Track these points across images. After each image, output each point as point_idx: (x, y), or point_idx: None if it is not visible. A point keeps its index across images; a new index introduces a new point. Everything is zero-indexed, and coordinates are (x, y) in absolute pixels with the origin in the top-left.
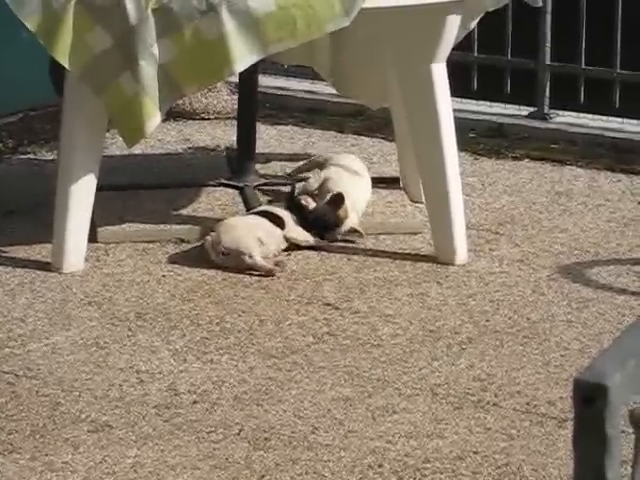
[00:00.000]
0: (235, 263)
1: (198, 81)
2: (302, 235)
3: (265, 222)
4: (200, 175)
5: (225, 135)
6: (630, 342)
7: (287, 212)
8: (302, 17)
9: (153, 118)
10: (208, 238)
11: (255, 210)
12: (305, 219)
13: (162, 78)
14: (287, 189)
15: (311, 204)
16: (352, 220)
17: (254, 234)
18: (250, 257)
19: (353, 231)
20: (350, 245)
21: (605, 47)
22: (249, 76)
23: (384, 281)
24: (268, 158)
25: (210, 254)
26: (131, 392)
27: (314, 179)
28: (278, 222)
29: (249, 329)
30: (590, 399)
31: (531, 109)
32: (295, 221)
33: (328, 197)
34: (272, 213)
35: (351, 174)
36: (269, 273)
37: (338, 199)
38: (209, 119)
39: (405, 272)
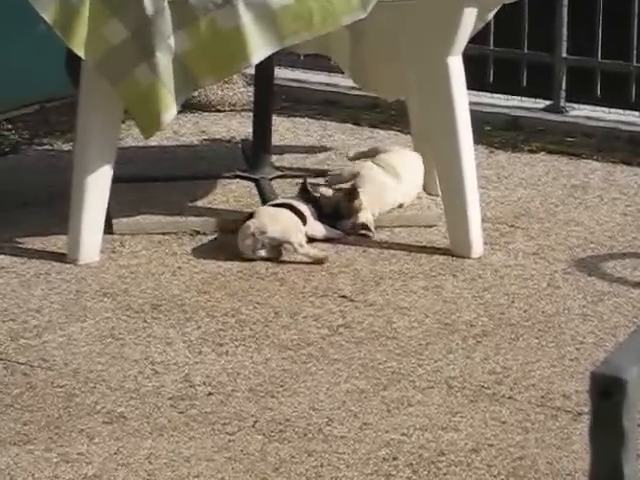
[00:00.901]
0: (272, 254)
1: (214, 73)
2: (321, 232)
3: (294, 216)
4: (216, 167)
5: (241, 127)
6: None
7: (305, 205)
8: (319, 9)
9: (170, 109)
10: (250, 229)
11: (278, 202)
12: (319, 207)
13: (178, 70)
14: (301, 181)
15: (327, 193)
16: (365, 215)
17: (297, 225)
18: (300, 246)
19: (364, 227)
20: (365, 238)
21: (621, 40)
22: (265, 68)
23: (399, 274)
24: (284, 150)
25: (249, 245)
26: (146, 383)
27: (347, 170)
28: (301, 217)
29: (264, 321)
30: (607, 393)
31: (547, 102)
32: (313, 213)
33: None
34: (296, 208)
35: (388, 175)
36: (321, 260)
37: (353, 192)
38: (225, 111)
39: (420, 265)
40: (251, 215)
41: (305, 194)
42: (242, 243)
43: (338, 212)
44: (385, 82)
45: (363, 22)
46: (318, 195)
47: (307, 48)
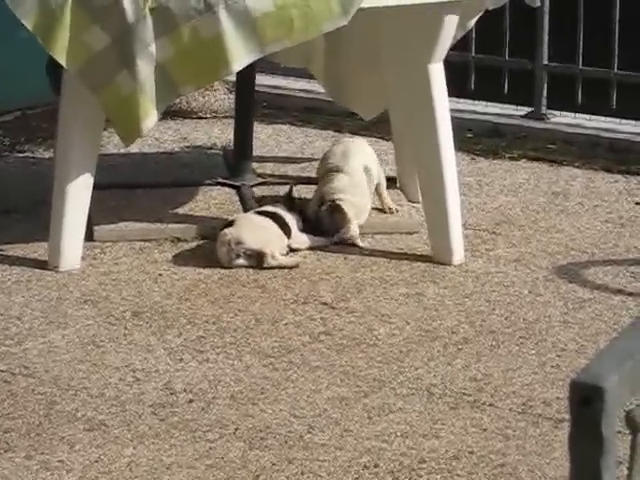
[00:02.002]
0: (251, 262)
1: (195, 81)
2: (305, 243)
3: (275, 227)
4: (197, 174)
5: (222, 134)
6: (626, 343)
7: (290, 215)
8: (300, 17)
9: (150, 117)
10: (226, 238)
11: (262, 210)
12: (304, 217)
13: (160, 77)
14: (287, 188)
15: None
16: (352, 229)
17: (276, 235)
18: (273, 258)
19: (350, 241)
20: (346, 245)
21: (602, 48)
22: (246, 75)
23: (380, 281)
24: (265, 157)
25: (224, 254)
26: (127, 391)
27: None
28: (285, 230)
29: (245, 328)
30: (587, 401)
31: (528, 109)
32: (298, 221)
33: (326, 207)
34: (280, 217)
35: (362, 177)
36: (294, 265)
37: (335, 207)
38: (206, 118)
39: (402, 272)
40: (231, 223)
41: (290, 202)
42: (219, 251)
43: (321, 226)
44: (361, 98)
45: (341, 34)
46: (303, 204)
47: (285, 60)
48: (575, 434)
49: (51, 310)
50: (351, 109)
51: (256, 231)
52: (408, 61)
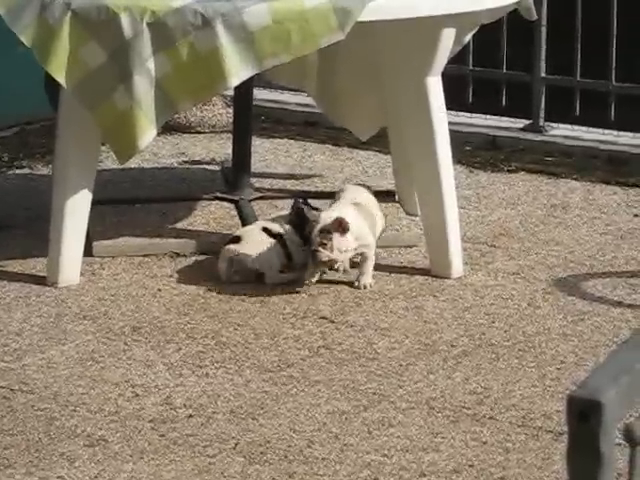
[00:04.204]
0: (250, 279)
1: (193, 96)
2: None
3: (279, 248)
4: (195, 189)
5: (220, 148)
6: (624, 357)
7: (296, 238)
8: (297, 31)
9: (147, 133)
10: (228, 255)
11: (270, 228)
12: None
13: (157, 94)
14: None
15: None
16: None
17: (277, 258)
18: (270, 278)
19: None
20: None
21: (600, 60)
22: (244, 90)
23: (380, 294)
24: (264, 171)
25: (224, 270)
26: (126, 406)
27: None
28: (287, 255)
29: (245, 343)
30: (584, 415)
31: (526, 122)
32: (299, 250)
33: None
34: (284, 244)
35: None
36: (295, 279)
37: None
38: (204, 132)
39: (401, 285)
40: (236, 239)
41: (298, 219)
42: (219, 266)
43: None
44: (356, 117)
45: (336, 52)
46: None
47: (280, 79)
48: (573, 449)
49: (50, 326)
50: (348, 128)
51: (260, 251)
52: (406, 74)
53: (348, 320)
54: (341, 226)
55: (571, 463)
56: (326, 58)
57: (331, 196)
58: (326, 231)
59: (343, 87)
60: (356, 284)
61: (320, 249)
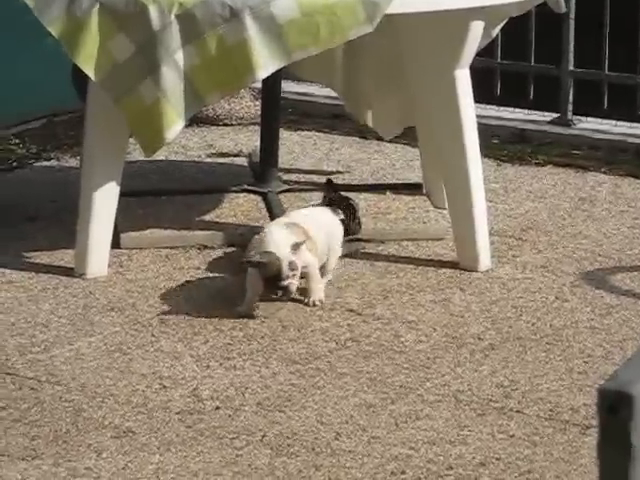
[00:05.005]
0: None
1: (220, 89)
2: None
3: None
4: (223, 181)
5: (248, 141)
6: None
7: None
8: (325, 24)
9: (174, 125)
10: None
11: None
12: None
13: (185, 86)
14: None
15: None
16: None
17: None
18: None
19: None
20: (373, 251)
21: (629, 53)
22: (272, 82)
23: (407, 287)
24: (291, 164)
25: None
26: (154, 398)
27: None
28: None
29: (272, 335)
30: (615, 408)
31: (554, 115)
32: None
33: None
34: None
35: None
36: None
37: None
38: (232, 125)
39: (428, 278)
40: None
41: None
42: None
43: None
44: (380, 117)
45: (362, 49)
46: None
47: (307, 75)
48: (603, 442)
49: (78, 317)
50: (374, 128)
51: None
52: (434, 67)
53: (375, 313)
54: (296, 250)
55: (601, 456)
56: (352, 55)
57: (360, 189)
58: (293, 264)
59: (368, 85)
60: (306, 301)
61: (293, 282)
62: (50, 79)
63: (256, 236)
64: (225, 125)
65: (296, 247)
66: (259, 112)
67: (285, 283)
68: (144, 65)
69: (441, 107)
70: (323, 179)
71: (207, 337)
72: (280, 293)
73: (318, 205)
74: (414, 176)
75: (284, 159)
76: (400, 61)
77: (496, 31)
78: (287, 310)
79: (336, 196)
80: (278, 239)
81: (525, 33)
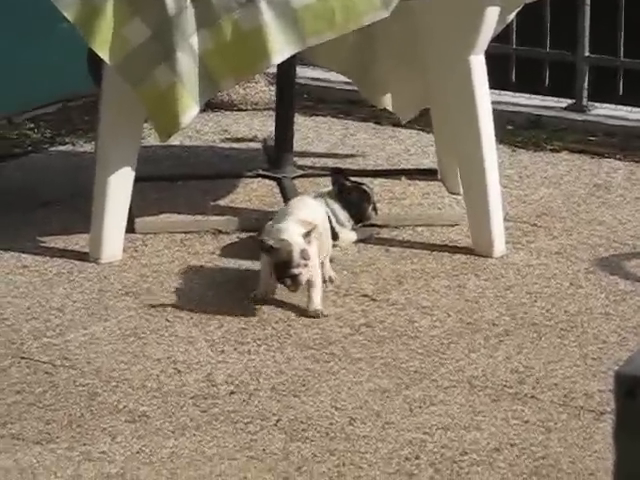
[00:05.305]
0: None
1: (235, 74)
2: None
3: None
4: (238, 166)
5: (263, 126)
6: None
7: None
8: (340, 9)
9: (189, 110)
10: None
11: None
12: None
13: (200, 71)
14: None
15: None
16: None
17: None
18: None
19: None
20: (387, 237)
21: None
22: (287, 67)
23: (421, 273)
24: (306, 149)
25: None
26: (168, 382)
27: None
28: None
29: (286, 320)
30: (631, 392)
31: (569, 101)
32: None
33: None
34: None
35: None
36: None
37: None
38: (247, 110)
39: (443, 264)
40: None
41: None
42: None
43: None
44: (396, 99)
45: (377, 33)
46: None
47: (321, 61)
48: (619, 426)
49: (92, 302)
50: (391, 110)
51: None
52: (449, 53)
53: (390, 298)
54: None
55: (618, 441)
56: (367, 40)
57: (375, 174)
58: (305, 252)
59: (384, 70)
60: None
61: (303, 272)
62: (65, 64)
63: (269, 222)
64: (240, 110)
65: (308, 235)
66: (274, 97)
67: (295, 271)
68: (159, 50)
69: (456, 93)
70: (338, 164)
71: (221, 322)
72: (289, 282)
73: (322, 194)
74: (429, 162)
75: (299, 144)
76: (415, 45)
77: (511, 17)
78: (302, 295)
79: (347, 183)
80: (292, 227)
81: (540, 19)
